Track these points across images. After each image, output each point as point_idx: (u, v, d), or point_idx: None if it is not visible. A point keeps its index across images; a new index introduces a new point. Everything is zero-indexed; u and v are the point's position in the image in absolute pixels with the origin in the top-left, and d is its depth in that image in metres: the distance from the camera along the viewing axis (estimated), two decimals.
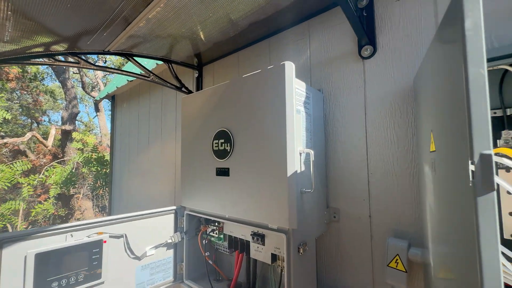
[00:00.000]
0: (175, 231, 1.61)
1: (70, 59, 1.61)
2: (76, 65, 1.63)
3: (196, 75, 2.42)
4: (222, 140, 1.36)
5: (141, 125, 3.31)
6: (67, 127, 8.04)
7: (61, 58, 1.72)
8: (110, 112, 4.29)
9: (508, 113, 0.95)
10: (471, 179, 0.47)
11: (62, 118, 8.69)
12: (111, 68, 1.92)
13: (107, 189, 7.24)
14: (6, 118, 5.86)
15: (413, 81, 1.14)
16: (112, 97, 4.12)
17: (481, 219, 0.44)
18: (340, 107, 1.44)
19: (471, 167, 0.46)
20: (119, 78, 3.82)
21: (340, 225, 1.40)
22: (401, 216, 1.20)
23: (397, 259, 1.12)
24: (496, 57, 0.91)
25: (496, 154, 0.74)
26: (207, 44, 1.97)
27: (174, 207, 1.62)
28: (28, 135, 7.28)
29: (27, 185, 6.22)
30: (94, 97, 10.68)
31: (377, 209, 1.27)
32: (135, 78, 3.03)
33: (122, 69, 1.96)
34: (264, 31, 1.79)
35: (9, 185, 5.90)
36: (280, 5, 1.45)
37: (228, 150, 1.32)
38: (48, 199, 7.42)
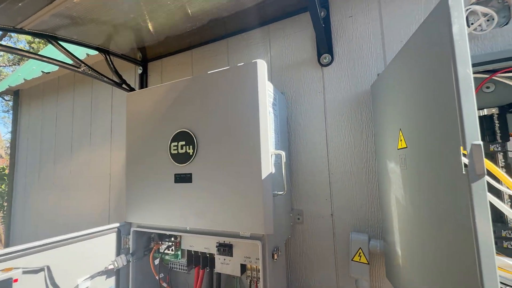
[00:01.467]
0: (118, 253, 1.32)
1: None
2: None
3: (140, 71, 2.14)
4: (183, 143, 1.21)
5: (60, 129, 2.70)
6: None
7: None
8: (6, 113, 3.35)
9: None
10: (464, 167, 0.51)
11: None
12: (23, 50, 1.48)
13: (1, 211, 5.61)
14: None
15: (371, 88, 1.27)
16: (14, 92, 3.25)
17: (475, 202, 0.49)
18: (302, 111, 1.48)
19: (464, 158, 0.51)
20: (28, 68, 3.06)
21: (304, 226, 1.42)
22: (359, 211, 1.30)
23: (360, 253, 1.20)
24: None
25: None
26: (156, 37, 1.76)
27: (117, 225, 1.34)
28: None
29: None
30: None
31: (338, 206, 1.35)
32: (56, 69, 2.48)
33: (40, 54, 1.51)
34: (223, 30, 1.72)
35: None
36: (245, 5, 1.42)
37: (191, 154, 1.18)
38: None
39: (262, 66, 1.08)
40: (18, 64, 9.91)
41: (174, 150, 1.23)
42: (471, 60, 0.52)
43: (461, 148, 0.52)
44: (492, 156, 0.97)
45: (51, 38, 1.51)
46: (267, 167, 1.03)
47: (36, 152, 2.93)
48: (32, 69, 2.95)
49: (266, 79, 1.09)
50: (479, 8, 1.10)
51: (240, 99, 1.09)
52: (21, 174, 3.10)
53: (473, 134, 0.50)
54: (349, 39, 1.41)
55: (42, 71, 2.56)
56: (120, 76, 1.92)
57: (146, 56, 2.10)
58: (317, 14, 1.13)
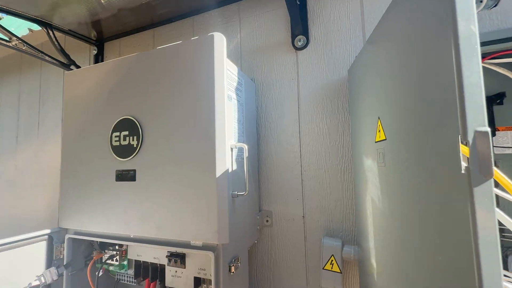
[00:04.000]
0: (48, 266, 1.10)
1: None
2: None
3: (95, 52, 1.86)
4: (126, 133, 1.00)
5: (5, 117, 2.35)
6: None
7: None
8: None
9: None
10: (463, 165, 0.36)
11: None
12: None
13: None
14: None
15: (348, 73, 1.12)
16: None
17: (479, 214, 0.34)
18: (274, 100, 1.32)
19: (463, 152, 0.36)
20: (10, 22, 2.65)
21: (273, 230, 1.27)
22: (333, 213, 1.16)
23: (332, 260, 1.06)
24: None
25: None
26: (108, 10, 1.50)
27: (48, 231, 1.11)
28: None
29: None
30: None
31: (311, 207, 1.20)
32: None
33: None
34: (187, 7, 1.50)
35: None
36: None
37: (135, 146, 0.97)
38: None
39: (220, 40, 0.89)
40: None
41: (116, 141, 1.02)
42: None
43: (459, 137, 0.37)
44: None
45: None
46: (223, 163, 0.86)
47: None
48: None
49: (225, 56, 0.91)
50: None
51: (193, 79, 0.90)
52: None
53: (478, 118, 0.35)
54: (326, 19, 1.25)
55: None
56: (67, 56, 1.65)
57: (102, 35, 1.83)
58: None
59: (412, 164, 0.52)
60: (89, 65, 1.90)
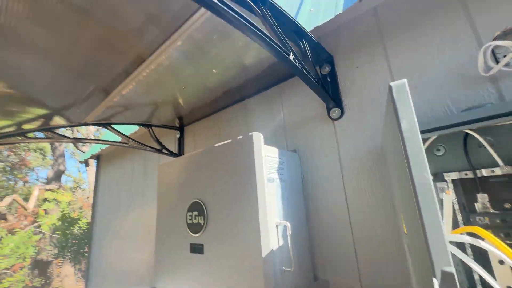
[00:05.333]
0: None
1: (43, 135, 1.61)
2: (50, 140, 1.61)
3: (178, 135, 2.44)
4: (196, 213, 1.28)
5: (123, 186, 3.20)
6: (51, 186, 7.75)
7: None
8: None
9: (479, 175, 0.94)
10: None
11: (47, 177, 8.44)
12: (86, 139, 1.92)
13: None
14: None
15: (380, 146, 1.14)
16: (97, 157, 4.07)
17: None
18: (318, 169, 1.41)
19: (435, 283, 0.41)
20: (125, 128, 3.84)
21: None
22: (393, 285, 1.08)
23: None
24: (457, 123, 0.93)
25: (469, 234, 0.69)
26: (187, 109, 2.03)
27: None
28: (7, 199, 6.93)
29: None
30: (84, 152, 10.59)
31: (368, 278, 1.15)
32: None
33: (101, 138, 2.01)
34: (238, 96, 1.87)
35: None
36: (250, 74, 1.54)
37: (202, 224, 1.24)
38: (22, 268, 6.70)
39: (257, 138, 1.11)
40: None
41: (189, 220, 1.31)
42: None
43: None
44: None
45: (106, 125, 1.91)
46: (268, 241, 0.99)
47: (108, 205, 3.50)
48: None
49: (262, 149, 1.11)
50: (506, 43, 0.93)
51: (239, 170, 1.13)
52: (98, 222, 3.70)
53: (444, 260, 0.40)
54: (358, 90, 1.34)
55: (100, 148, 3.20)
56: (160, 143, 2.23)
57: (183, 122, 2.40)
58: (309, 77, 1.13)
59: (421, 265, 0.54)
60: (175, 145, 2.47)
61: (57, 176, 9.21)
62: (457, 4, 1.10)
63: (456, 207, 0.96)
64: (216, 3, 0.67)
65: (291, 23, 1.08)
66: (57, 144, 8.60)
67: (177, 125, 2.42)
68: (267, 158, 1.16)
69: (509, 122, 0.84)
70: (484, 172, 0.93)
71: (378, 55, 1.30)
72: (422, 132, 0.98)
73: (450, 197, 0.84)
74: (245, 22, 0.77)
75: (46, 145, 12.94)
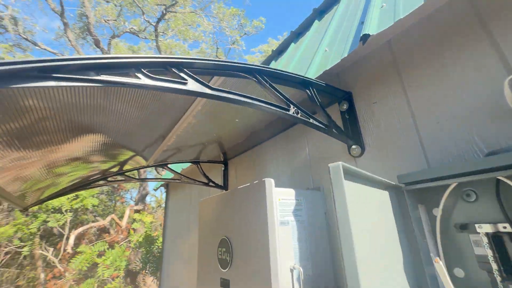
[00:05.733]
0: None
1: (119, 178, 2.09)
2: (123, 181, 2.08)
3: (223, 168, 2.71)
4: (224, 249, 1.42)
5: (184, 213, 3.65)
6: (138, 207, 9.31)
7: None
8: None
9: None
10: None
11: (134, 200, 10.19)
12: (149, 178, 2.36)
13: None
14: (94, 204, 7.24)
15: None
16: (166, 185, 4.78)
17: None
18: None
19: None
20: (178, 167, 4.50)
21: None
22: None
23: None
24: (480, 170, 0.82)
25: None
26: (228, 145, 2.29)
27: None
28: (108, 218, 8.66)
29: (101, 265, 7.02)
30: (161, 175, 12.42)
31: None
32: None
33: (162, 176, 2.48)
34: (267, 135, 2.01)
35: (88, 265, 6.78)
36: (272, 117, 1.67)
37: (228, 261, 1.36)
38: (118, 277, 8.09)
39: (269, 184, 1.20)
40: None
41: (220, 255, 1.46)
42: None
43: None
44: None
45: (163, 165, 2.32)
46: (278, 285, 1.04)
47: (173, 229, 4.02)
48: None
49: (274, 194, 1.19)
50: None
51: (254, 213, 1.23)
52: (167, 243, 4.27)
53: None
54: (377, 126, 1.29)
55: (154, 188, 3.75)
56: (207, 177, 2.53)
57: (226, 156, 2.67)
58: (315, 124, 1.17)
59: None
60: (221, 178, 2.74)
61: (143, 197, 11.00)
62: (478, 30, 0.99)
63: (494, 266, 0.81)
64: (209, 94, 0.84)
65: (294, 77, 1.18)
66: (141, 170, 10.39)
67: (222, 159, 2.70)
68: (281, 201, 1.23)
69: None
70: None
71: (396, 89, 1.24)
72: (441, 178, 0.89)
73: (440, 265, 0.74)
74: (239, 98, 0.92)
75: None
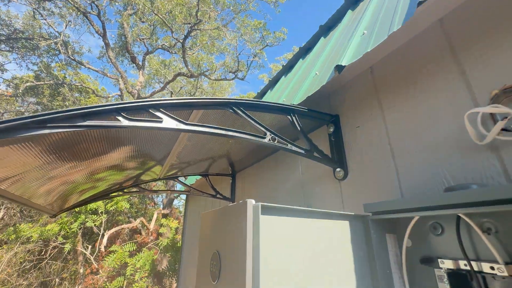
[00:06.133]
0: None
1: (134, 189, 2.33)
2: (137, 192, 2.30)
3: (231, 181, 2.84)
4: (215, 263, 1.52)
5: (199, 221, 3.84)
6: (165, 211, 9.86)
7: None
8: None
9: (476, 269, 0.76)
10: None
11: (162, 203, 10.81)
12: (161, 190, 2.56)
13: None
14: (126, 207, 7.87)
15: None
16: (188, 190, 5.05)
17: None
18: None
19: None
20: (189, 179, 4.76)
21: None
22: None
23: None
24: (438, 206, 0.81)
25: None
26: (236, 158, 2.41)
27: None
28: (138, 221, 9.31)
29: (130, 265, 7.56)
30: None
31: None
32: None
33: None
34: (269, 151, 2.10)
35: (119, 263, 7.35)
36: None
37: (216, 274, 1.46)
38: (143, 278, 8.61)
39: (250, 204, 1.29)
40: None
41: (211, 268, 1.56)
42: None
43: None
44: None
45: (174, 178, 2.51)
46: None
47: (189, 236, 4.23)
48: (190, 179, 4.57)
49: (252, 213, 1.27)
50: (490, 109, 0.78)
51: (237, 232, 1.31)
52: (185, 250, 4.49)
53: None
54: (359, 151, 1.31)
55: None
56: (215, 189, 2.67)
57: (234, 169, 2.80)
58: (294, 149, 1.23)
59: None
60: (229, 190, 2.87)
61: (170, 201, 11.63)
62: (450, 60, 0.99)
63: None
64: (189, 129, 0.97)
65: (272, 106, 1.26)
66: None
67: (230, 172, 2.83)
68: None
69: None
70: (484, 267, 0.75)
71: (376, 114, 1.25)
72: (404, 210, 0.89)
73: None
74: (213, 131, 1.03)
75: None
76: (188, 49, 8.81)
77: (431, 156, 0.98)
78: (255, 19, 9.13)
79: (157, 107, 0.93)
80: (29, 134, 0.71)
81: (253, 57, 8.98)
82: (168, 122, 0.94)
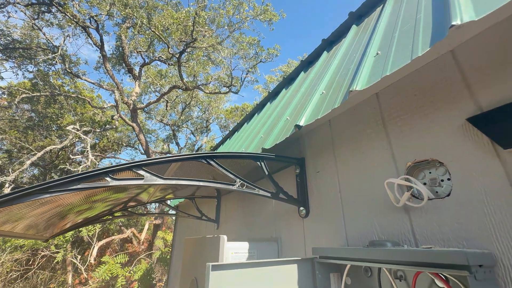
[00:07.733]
0: None
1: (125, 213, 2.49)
2: (125, 216, 2.47)
3: (216, 203, 3.01)
4: None
5: (186, 235, 3.97)
6: (157, 221, 9.90)
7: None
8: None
9: None
10: None
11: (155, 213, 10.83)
12: (150, 213, 2.72)
13: None
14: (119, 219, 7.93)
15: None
16: (177, 207, 5.19)
17: None
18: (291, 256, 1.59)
19: None
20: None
21: None
22: None
23: None
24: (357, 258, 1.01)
25: None
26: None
27: None
28: (129, 231, 9.34)
29: (121, 276, 7.57)
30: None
31: None
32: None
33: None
34: (253, 177, 2.29)
35: (110, 275, 7.35)
36: (248, 169, 1.95)
37: None
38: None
39: (223, 239, 1.48)
40: None
41: None
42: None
43: None
44: None
45: (162, 201, 2.68)
46: None
47: (179, 250, 4.35)
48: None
49: (225, 249, 1.45)
50: (399, 181, 1.00)
51: (210, 258, 1.49)
52: (173, 264, 4.60)
53: None
54: (319, 194, 1.51)
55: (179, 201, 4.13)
56: (200, 211, 2.85)
57: (220, 193, 2.98)
58: (261, 193, 1.43)
59: None
60: (215, 212, 3.04)
61: (162, 211, 11.67)
62: (381, 129, 1.21)
63: None
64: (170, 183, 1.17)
65: (242, 155, 1.47)
66: None
67: (215, 195, 3.01)
68: (234, 255, 1.49)
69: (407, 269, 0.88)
70: None
71: (331, 164, 1.46)
72: (340, 258, 1.08)
73: None
74: (187, 182, 1.23)
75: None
76: (183, 63, 9.07)
77: (369, 209, 1.18)
78: (249, 36, 9.49)
79: (140, 166, 1.13)
80: (33, 199, 0.90)
81: (247, 74, 9.29)
82: (148, 178, 1.14)
